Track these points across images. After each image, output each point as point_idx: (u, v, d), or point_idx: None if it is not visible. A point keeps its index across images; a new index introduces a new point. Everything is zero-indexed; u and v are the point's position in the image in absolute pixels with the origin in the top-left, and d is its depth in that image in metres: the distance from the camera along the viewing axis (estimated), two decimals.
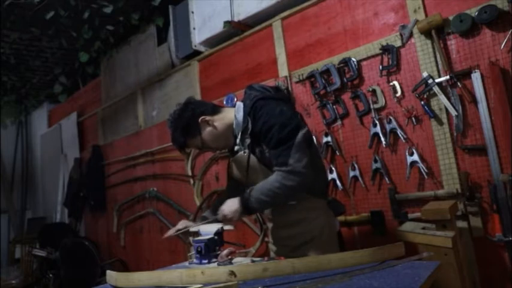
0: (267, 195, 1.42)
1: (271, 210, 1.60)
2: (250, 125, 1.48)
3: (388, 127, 2.01)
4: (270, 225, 1.67)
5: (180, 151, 1.64)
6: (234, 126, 1.57)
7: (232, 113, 1.58)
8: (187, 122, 1.55)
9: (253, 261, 1.35)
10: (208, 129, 1.56)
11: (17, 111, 5.56)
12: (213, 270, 0.99)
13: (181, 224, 1.62)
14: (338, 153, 2.20)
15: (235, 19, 2.75)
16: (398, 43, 2.01)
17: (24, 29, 3.61)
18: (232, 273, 0.94)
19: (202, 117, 1.55)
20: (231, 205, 1.47)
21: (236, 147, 1.59)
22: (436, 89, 1.85)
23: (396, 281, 0.90)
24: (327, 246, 1.50)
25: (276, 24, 2.57)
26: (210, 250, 1.41)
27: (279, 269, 0.97)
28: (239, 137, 1.55)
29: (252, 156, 1.52)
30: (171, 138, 1.62)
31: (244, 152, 1.53)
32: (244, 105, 1.55)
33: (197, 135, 1.56)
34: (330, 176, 2.18)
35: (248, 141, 1.51)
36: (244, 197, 1.45)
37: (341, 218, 2.13)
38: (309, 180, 1.42)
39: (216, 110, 1.61)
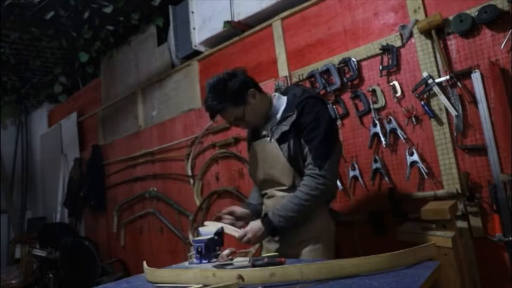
0: (294, 210, 1.44)
1: (275, 205, 1.57)
2: (295, 116, 1.49)
3: (388, 127, 2.00)
4: None
5: (211, 118, 1.60)
6: (271, 110, 1.60)
7: (270, 99, 1.63)
8: (237, 89, 1.53)
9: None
10: (253, 103, 1.57)
11: (17, 111, 5.55)
12: (224, 273, 1.02)
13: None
14: None
15: (235, 19, 2.75)
16: (398, 43, 2.01)
17: (24, 29, 3.61)
18: (240, 277, 0.97)
19: (252, 89, 1.56)
20: (257, 230, 1.48)
21: (264, 132, 1.61)
22: (436, 89, 1.85)
23: (396, 281, 0.90)
24: (323, 249, 1.51)
25: (276, 24, 2.57)
26: (210, 250, 1.41)
27: (286, 275, 0.97)
28: (273, 122, 1.57)
29: (275, 144, 1.53)
30: (207, 102, 1.56)
31: (271, 139, 1.55)
32: (288, 97, 1.59)
33: (241, 106, 1.55)
34: None
35: (284, 128, 1.51)
36: (269, 221, 1.47)
37: None
38: (332, 191, 1.51)
39: (259, 88, 1.63)
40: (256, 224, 1.50)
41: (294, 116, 1.50)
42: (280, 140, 1.53)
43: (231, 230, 1.54)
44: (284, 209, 1.45)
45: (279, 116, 1.56)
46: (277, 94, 1.65)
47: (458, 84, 1.81)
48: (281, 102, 1.60)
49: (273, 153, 1.54)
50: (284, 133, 1.51)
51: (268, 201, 1.63)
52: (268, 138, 1.56)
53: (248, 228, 1.51)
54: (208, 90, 1.56)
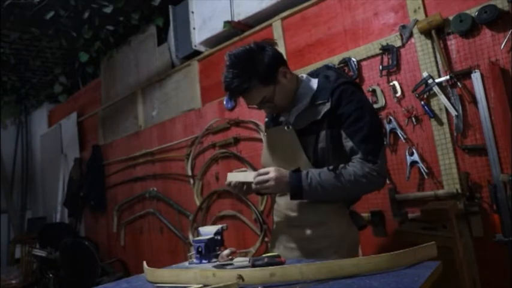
0: (331, 184, 1.23)
1: (289, 205, 1.39)
2: (329, 104, 1.28)
3: (388, 127, 2.00)
4: (278, 219, 1.47)
5: (232, 98, 1.40)
6: (297, 93, 1.38)
7: (297, 80, 1.41)
8: (267, 65, 1.30)
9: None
10: (284, 82, 1.34)
11: (17, 111, 5.55)
12: (224, 273, 1.02)
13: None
14: None
15: (235, 19, 2.75)
16: (398, 43, 2.01)
17: (24, 29, 3.61)
18: (240, 277, 0.96)
19: (284, 67, 1.35)
20: (280, 180, 1.26)
21: (281, 118, 1.42)
22: (436, 89, 1.85)
23: (396, 281, 0.89)
24: (346, 255, 1.28)
25: (276, 24, 2.57)
26: (210, 250, 1.41)
27: (286, 275, 0.97)
28: (298, 108, 1.35)
29: (293, 134, 1.33)
30: (227, 79, 1.30)
31: (288, 127, 1.34)
32: (320, 80, 1.38)
33: (271, 85, 1.32)
34: None
35: (315, 117, 1.30)
36: (299, 178, 1.25)
37: None
38: (377, 189, 1.32)
39: (287, 66, 1.40)
40: (284, 172, 1.27)
41: (328, 105, 1.28)
42: (307, 131, 1.32)
43: (245, 177, 1.37)
44: (321, 177, 1.24)
45: (307, 101, 1.34)
46: (305, 75, 1.43)
47: (458, 84, 1.81)
48: (310, 86, 1.37)
49: (289, 144, 1.34)
50: (314, 123, 1.31)
51: (281, 200, 1.44)
52: (285, 127, 1.35)
53: (274, 173, 1.26)
54: (229, 64, 1.29)
